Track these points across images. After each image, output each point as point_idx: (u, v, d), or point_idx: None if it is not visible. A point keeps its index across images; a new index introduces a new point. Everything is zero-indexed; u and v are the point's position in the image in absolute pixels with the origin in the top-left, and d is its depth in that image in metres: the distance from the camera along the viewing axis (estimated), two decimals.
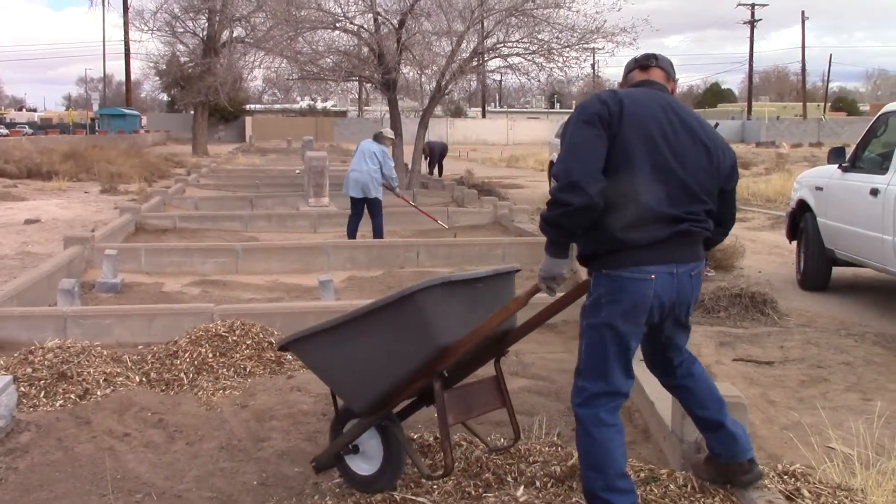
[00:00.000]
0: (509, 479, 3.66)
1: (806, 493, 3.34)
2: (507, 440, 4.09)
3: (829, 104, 74.78)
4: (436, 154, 22.45)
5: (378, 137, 11.12)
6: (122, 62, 44.96)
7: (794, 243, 8.93)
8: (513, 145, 50.70)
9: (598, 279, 3.06)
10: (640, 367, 4.94)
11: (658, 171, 2.97)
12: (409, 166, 18.00)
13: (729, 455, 3.28)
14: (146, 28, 33.30)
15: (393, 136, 11.34)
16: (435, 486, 3.61)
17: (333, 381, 3.65)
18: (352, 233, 10.98)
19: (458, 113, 62.92)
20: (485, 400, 3.82)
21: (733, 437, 3.27)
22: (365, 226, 10.97)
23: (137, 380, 5.15)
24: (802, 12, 64.23)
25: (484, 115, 67.28)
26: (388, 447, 3.57)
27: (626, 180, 2.94)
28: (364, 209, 10.88)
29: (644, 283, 2.95)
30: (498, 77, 21.02)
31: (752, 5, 63.97)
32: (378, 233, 10.96)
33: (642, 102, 3.03)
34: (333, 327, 3.47)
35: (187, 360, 5.35)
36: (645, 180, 2.95)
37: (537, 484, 3.57)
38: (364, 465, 3.63)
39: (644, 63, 3.27)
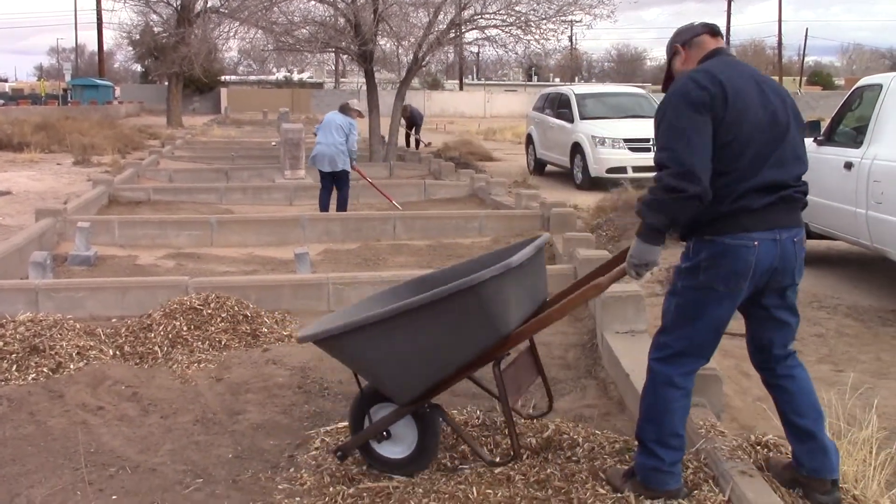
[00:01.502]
0: (485, 450, 3.67)
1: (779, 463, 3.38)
2: (533, 409, 4.17)
3: (804, 78, 75.04)
4: (417, 118, 22.33)
5: (344, 109, 11.03)
6: (95, 32, 44.32)
7: None
8: (490, 118, 50.51)
9: (698, 244, 3.05)
10: (616, 340, 4.97)
11: (761, 143, 2.97)
12: (386, 138, 17.90)
13: (813, 470, 3.18)
14: None
15: (360, 109, 11.23)
16: None
17: (374, 373, 3.48)
18: (324, 206, 10.95)
19: (435, 85, 62.52)
20: (527, 374, 3.83)
21: (824, 451, 3.17)
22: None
23: (111, 353, 5.11)
24: None
25: (461, 88, 66.92)
26: (424, 433, 3.48)
27: (732, 154, 2.94)
28: (332, 182, 10.86)
29: (747, 249, 2.95)
30: (475, 49, 20.93)
31: None
32: (342, 205, 10.94)
33: (737, 80, 3.01)
34: (380, 322, 3.26)
35: (161, 333, 5.31)
36: (750, 152, 2.95)
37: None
38: (394, 448, 3.52)
39: (715, 29, 3.23)
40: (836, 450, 3.23)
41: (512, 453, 3.47)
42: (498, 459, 3.51)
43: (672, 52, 3.30)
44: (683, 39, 3.25)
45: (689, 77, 3.02)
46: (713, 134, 2.93)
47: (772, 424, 3.95)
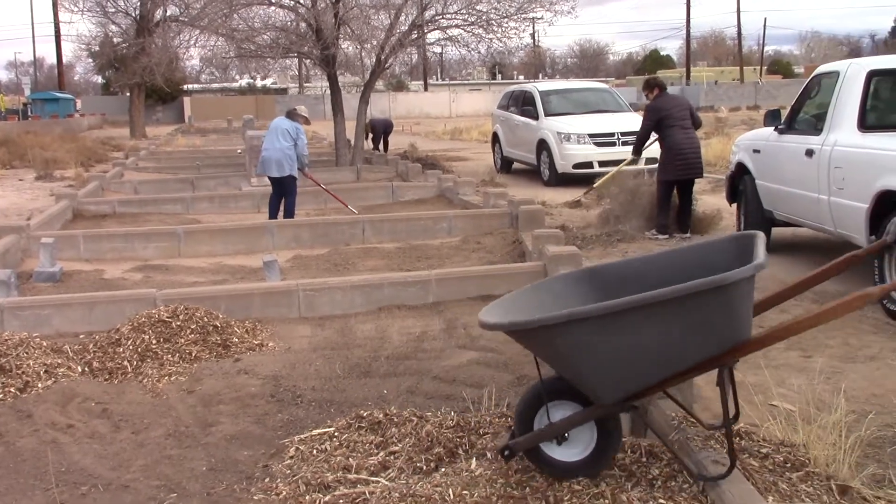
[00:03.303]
0: (460, 451, 3.67)
1: (751, 451, 3.41)
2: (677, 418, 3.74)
3: (765, 68, 75.92)
4: (378, 131, 22.28)
5: (291, 114, 10.97)
6: (53, 44, 43.73)
7: (735, 206, 9.08)
8: (456, 118, 50.56)
9: None
10: None
11: None
12: (352, 142, 17.85)
13: None
14: (76, 9, 32.29)
15: (306, 115, 11.16)
16: (388, 464, 3.61)
17: (581, 368, 3.18)
18: (273, 213, 10.84)
19: (400, 87, 62.51)
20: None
21: None
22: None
23: (80, 370, 5.04)
24: None
25: (426, 89, 66.93)
26: (605, 435, 3.28)
27: None
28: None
29: None
30: (438, 50, 20.89)
31: None
32: (289, 212, 10.83)
33: None
34: (614, 313, 3.00)
35: (130, 347, 5.25)
36: None
37: (489, 455, 3.59)
38: (565, 450, 3.31)
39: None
40: None
41: (728, 464, 3.15)
42: (712, 474, 3.18)
43: None
44: None
45: None
46: None
47: (743, 413, 3.99)
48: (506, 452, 3.34)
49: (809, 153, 7.11)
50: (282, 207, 10.84)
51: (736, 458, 3.14)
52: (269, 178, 10.83)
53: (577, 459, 3.29)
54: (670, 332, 3.02)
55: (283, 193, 10.81)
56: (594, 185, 10.38)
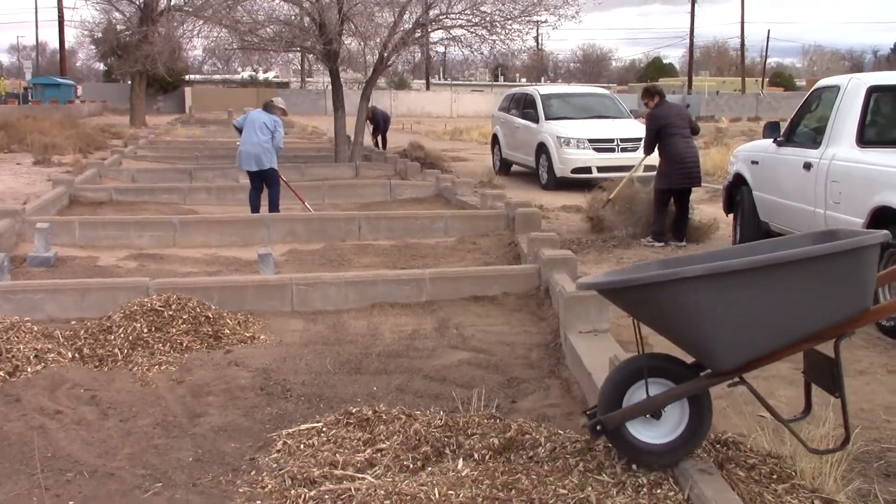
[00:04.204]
0: (447, 451, 3.67)
1: (737, 461, 3.41)
2: (797, 412, 3.60)
3: (767, 79, 76.03)
4: (379, 120, 22.14)
5: (268, 107, 10.90)
6: (56, 30, 43.65)
7: (731, 216, 9.09)
8: (457, 118, 50.56)
9: None
10: (579, 340, 5.00)
11: None
12: (352, 138, 17.84)
13: None
14: None
15: (284, 106, 11.11)
16: (374, 461, 3.60)
17: (697, 332, 3.09)
18: (254, 207, 10.78)
19: (401, 85, 62.44)
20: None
21: None
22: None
23: (70, 356, 5.03)
24: None
25: (428, 88, 66.93)
26: (698, 414, 3.23)
27: None
28: (262, 182, 10.74)
29: None
30: (441, 49, 20.85)
31: None
32: (274, 206, 10.77)
33: None
34: (742, 271, 2.95)
35: (121, 335, 5.24)
36: None
37: (476, 456, 3.59)
38: (651, 431, 3.27)
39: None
40: None
41: (844, 439, 3.25)
42: (833, 447, 3.26)
43: None
44: None
45: None
46: None
47: (731, 422, 4.00)
48: (598, 427, 3.27)
49: (807, 166, 7.12)
50: (264, 201, 10.78)
51: (850, 431, 3.20)
52: (248, 171, 10.73)
53: (663, 442, 3.26)
54: (807, 293, 3.00)
55: (262, 187, 10.74)
56: (610, 198, 10.35)
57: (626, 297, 3.27)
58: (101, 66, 60.14)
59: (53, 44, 61.01)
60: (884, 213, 5.99)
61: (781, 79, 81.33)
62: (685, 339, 3.21)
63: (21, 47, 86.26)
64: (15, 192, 13.18)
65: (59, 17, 43.92)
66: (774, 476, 3.34)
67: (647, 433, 3.28)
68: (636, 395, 3.31)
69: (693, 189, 9.70)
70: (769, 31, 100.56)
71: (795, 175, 7.33)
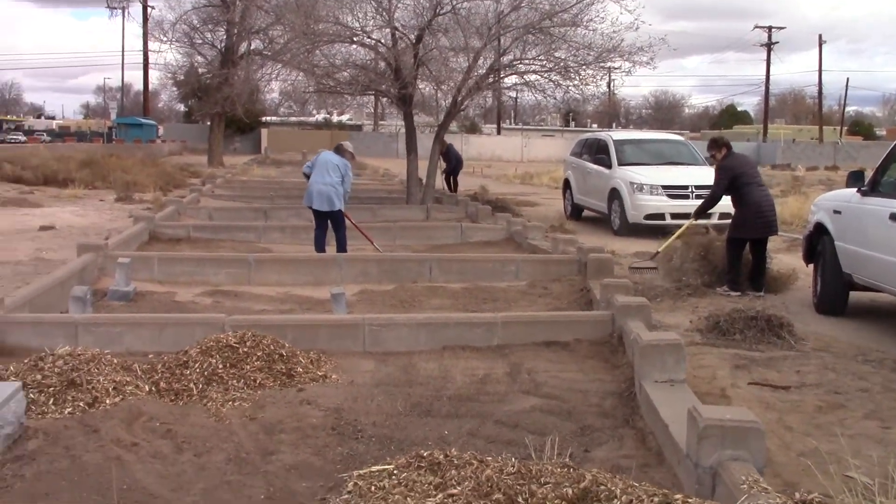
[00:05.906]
0: (520, 499, 3.60)
1: None
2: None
3: (845, 128, 74.51)
4: (452, 158, 22.14)
5: (339, 150, 11.10)
6: (141, 72, 45.29)
7: (811, 266, 8.85)
8: (527, 162, 50.63)
9: None
10: (655, 390, 4.89)
11: None
12: (424, 181, 17.99)
13: None
14: (165, 39, 33.49)
15: (353, 150, 11.28)
16: None
17: None
18: (320, 247, 10.92)
19: (473, 129, 62.96)
20: None
21: None
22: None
23: (147, 389, 5.11)
24: (819, 36, 64.46)
25: (499, 132, 67.37)
26: None
27: None
28: (328, 222, 10.87)
29: None
30: (514, 94, 20.96)
31: (770, 28, 64.11)
32: (342, 247, 10.89)
33: None
34: None
35: (197, 370, 5.31)
36: None
37: None
38: None
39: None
40: None
41: None
42: None
43: None
44: None
45: None
46: None
47: (817, 482, 3.84)
48: None
49: (894, 217, 6.90)
50: (330, 241, 10.92)
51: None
52: (316, 210, 10.86)
53: None
54: None
55: (327, 227, 10.91)
56: (659, 251, 10.19)
57: None
58: (182, 108, 62.10)
59: (138, 85, 63.18)
60: None
61: (860, 127, 79.61)
62: None
63: (107, 88, 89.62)
64: (98, 228, 13.60)
65: (143, 60, 45.68)
66: None
67: None
68: None
69: (770, 238, 9.48)
70: (848, 78, 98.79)
71: (882, 226, 7.11)
